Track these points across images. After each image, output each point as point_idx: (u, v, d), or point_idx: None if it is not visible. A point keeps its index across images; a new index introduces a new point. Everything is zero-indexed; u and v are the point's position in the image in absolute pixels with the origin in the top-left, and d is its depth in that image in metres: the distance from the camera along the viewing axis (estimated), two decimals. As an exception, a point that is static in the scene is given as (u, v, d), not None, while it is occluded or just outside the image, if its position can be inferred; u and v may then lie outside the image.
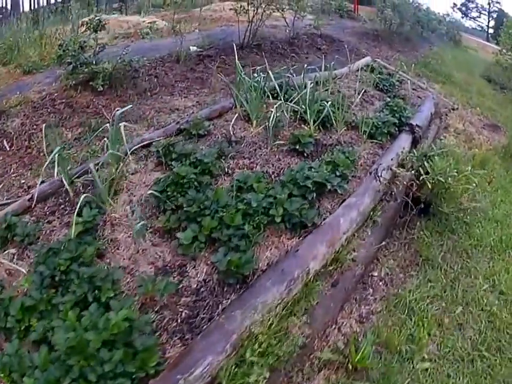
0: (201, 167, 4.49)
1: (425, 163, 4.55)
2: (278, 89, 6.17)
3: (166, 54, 8.90)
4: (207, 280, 3.50)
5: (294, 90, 6.46)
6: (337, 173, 4.65)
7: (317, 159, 5.16)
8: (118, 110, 4.98)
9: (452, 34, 18.70)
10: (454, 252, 4.52)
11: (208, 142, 5.42)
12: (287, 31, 10.61)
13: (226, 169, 4.87)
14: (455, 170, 4.43)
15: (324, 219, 4.07)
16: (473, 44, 24.10)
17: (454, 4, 46.42)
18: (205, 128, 5.53)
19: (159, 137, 5.37)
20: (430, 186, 4.38)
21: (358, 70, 9.36)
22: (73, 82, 7.05)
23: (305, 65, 6.93)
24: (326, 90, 7.00)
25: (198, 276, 3.56)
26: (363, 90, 7.86)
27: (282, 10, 10.18)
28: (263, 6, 9.50)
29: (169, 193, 4.04)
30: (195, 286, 3.47)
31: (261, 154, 5.23)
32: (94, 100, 6.88)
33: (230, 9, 11.81)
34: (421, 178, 4.45)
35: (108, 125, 4.85)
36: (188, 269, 3.60)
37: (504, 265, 4.43)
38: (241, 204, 3.86)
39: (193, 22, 12.97)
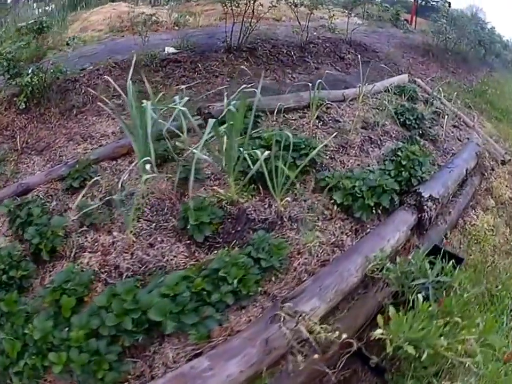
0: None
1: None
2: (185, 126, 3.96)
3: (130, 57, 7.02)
4: None
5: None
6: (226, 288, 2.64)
7: (216, 251, 3.19)
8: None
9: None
10: None
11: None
12: (302, 33, 8.21)
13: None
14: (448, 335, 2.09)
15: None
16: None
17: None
18: (89, 174, 4.05)
19: (40, 182, 4.08)
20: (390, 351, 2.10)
21: (382, 91, 6.95)
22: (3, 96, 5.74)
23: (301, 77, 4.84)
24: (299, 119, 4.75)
25: None
26: (374, 124, 5.49)
27: (295, 6, 7.77)
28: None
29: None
30: None
31: (137, 233, 3.34)
32: (15, 120, 5.51)
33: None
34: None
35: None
36: None
37: None
38: None
39: (211, 16, 10.94)
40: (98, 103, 4.73)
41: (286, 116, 5.39)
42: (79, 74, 6.47)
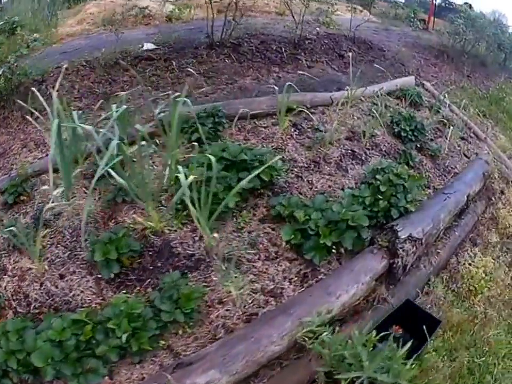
0: None
1: None
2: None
3: (105, 54, 6.36)
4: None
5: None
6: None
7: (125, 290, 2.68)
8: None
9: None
10: None
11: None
12: (296, 28, 7.25)
13: None
14: None
15: None
16: None
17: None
18: (25, 189, 3.60)
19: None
20: None
21: (383, 95, 6.02)
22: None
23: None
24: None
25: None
26: (363, 133, 4.60)
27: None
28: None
29: None
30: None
31: (52, 261, 2.98)
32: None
33: None
34: None
35: None
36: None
37: None
38: None
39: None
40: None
41: (256, 122, 4.58)
42: (49, 75, 5.81)
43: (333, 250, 2.86)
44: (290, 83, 4.21)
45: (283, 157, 4.05)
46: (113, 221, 3.20)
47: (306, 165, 3.97)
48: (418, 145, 4.81)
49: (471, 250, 3.87)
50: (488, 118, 7.54)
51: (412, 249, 2.91)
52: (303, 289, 2.74)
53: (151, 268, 2.79)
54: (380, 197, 3.23)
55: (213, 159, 2.80)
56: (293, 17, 7.05)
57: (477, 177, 4.64)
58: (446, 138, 5.35)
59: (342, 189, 3.69)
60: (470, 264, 3.63)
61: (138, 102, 4.98)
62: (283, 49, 6.72)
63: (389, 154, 4.41)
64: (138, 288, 2.71)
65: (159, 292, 2.54)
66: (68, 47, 7.71)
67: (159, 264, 2.80)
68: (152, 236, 2.95)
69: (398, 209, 3.24)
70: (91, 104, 4.87)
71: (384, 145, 4.56)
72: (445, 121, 5.87)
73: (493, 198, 4.84)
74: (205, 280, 2.72)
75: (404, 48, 8.95)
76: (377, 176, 3.35)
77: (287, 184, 3.72)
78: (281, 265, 2.88)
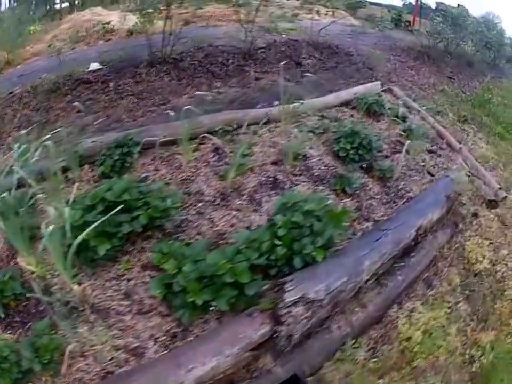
0: None
1: None
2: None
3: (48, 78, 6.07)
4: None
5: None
6: None
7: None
8: None
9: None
10: None
11: None
12: (246, 37, 6.60)
13: None
14: None
15: None
16: None
17: None
18: None
19: None
20: None
21: (335, 106, 5.31)
22: None
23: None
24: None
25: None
26: (300, 156, 3.86)
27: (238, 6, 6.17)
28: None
29: None
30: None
31: None
32: None
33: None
34: None
35: None
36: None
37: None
38: None
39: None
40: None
41: (174, 149, 3.92)
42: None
43: (211, 308, 2.19)
44: (190, 107, 3.52)
45: (189, 189, 3.37)
46: (13, 261, 3.03)
47: (213, 199, 3.26)
48: (365, 165, 4.04)
49: (418, 298, 3.06)
50: (470, 123, 6.69)
51: (305, 314, 2.15)
52: (166, 351, 2.27)
53: (34, 311, 2.71)
54: (278, 242, 2.49)
55: (66, 210, 2.53)
56: (241, 25, 6.40)
57: (438, 201, 3.84)
58: (408, 153, 4.56)
59: (248, 228, 2.97)
60: (409, 318, 2.82)
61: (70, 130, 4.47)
62: (230, 61, 6.08)
63: (322, 180, 3.65)
64: (20, 330, 2.62)
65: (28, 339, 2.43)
66: (28, 68, 7.54)
67: (41, 309, 2.69)
68: (37, 280, 2.79)
69: (302, 257, 2.50)
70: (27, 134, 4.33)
71: (319, 169, 3.81)
72: (409, 132, 5.08)
73: (461, 225, 4.02)
74: (73, 330, 2.51)
75: (380, 51, 8.21)
76: (275, 217, 2.60)
77: (185, 223, 3.05)
78: (151, 321, 2.48)
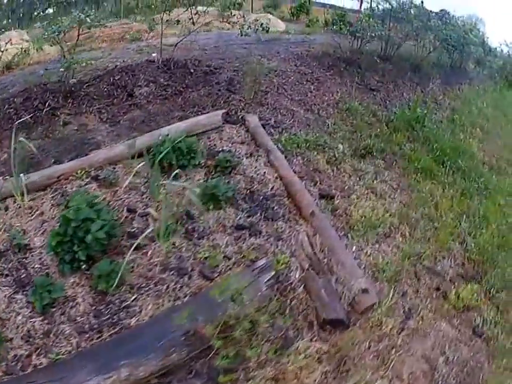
0: None
1: None
2: None
3: None
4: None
5: None
6: None
7: None
8: None
9: (508, 71, 9.86)
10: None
11: None
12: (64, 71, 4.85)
13: None
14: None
15: None
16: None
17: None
18: None
19: None
20: None
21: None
22: None
23: None
24: None
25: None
26: None
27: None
28: None
29: None
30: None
31: None
32: None
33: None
34: None
35: None
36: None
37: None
38: None
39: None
40: None
41: None
42: None
43: None
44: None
45: None
46: None
47: None
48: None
49: None
50: (375, 157, 4.60)
51: None
52: None
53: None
54: None
55: None
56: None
57: (169, 339, 1.90)
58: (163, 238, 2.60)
59: None
60: None
61: None
62: (49, 103, 4.44)
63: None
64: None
65: None
66: None
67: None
68: None
69: None
70: None
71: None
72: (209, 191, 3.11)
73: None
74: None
75: (282, 62, 6.22)
76: None
77: None
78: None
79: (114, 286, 2.38)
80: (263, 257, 2.97)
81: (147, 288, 2.59)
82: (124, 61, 5.84)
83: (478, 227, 4.19)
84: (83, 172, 3.53)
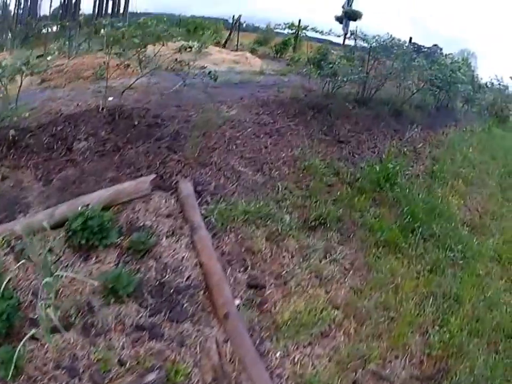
0: None
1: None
2: None
3: None
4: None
5: None
6: None
7: None
8: None
9: (498, 106, 9.27)
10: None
11: None
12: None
13: None
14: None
15: None
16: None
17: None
18: None
19: None
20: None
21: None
22: None
23: None
24: None
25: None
26: None
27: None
28: None
29: None
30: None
31: None
32: None
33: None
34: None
35: None
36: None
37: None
38: None
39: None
40: None
41: None
42: None
43: None
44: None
45: None
46: None
47: None
48: None
49: None
50: (329, 228, 4.03)
51: None
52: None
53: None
54: None
55: None
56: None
57: None
58: None
59: None
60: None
61: None
62: None
63: None
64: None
65: None
66: None
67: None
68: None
69: None
70: None
71: None
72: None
73: None
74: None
75: (242, 109, 5.77)
76: None
77: None
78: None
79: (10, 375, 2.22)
80: (159, 366, 2.48)
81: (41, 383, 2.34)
82: (78, 104, 5.47)
83: (446, 311, 3.55)
84: (4, 239, 3.19)
